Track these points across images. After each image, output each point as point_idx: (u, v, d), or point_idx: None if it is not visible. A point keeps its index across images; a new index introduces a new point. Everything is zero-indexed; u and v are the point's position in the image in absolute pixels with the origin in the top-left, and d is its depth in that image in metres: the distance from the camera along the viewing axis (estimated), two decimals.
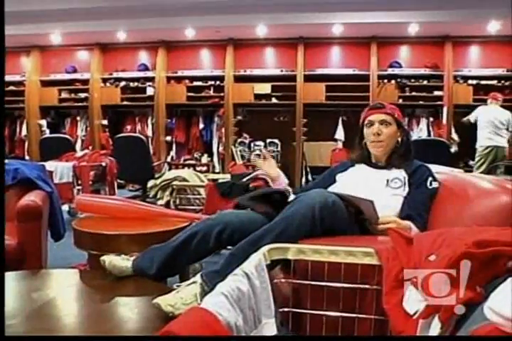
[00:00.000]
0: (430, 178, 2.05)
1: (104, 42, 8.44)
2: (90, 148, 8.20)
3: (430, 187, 2.02)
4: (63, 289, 1.82)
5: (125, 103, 8.53)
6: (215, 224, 1.86)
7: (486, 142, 6.50)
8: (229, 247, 1.84)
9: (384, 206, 1.95)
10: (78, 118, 8.79)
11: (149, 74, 8.45)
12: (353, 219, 1.82)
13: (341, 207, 1.77)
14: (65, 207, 4.85)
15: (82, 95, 8.56)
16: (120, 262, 1.86)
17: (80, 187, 4.93)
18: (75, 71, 8.64)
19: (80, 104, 8.59)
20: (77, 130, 8.77)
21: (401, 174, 2.10)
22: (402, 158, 2.15)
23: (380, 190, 2.05)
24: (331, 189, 2.12)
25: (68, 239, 2.52)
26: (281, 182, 2.25)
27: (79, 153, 5.68)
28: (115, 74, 8.55)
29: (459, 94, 7.54)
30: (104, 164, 5.34)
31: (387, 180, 2.08)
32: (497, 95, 6.66)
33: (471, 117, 6.70)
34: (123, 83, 8.51)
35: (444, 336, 1.16)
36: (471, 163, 7.65)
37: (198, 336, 1.17)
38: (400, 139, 2.17)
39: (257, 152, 2.36)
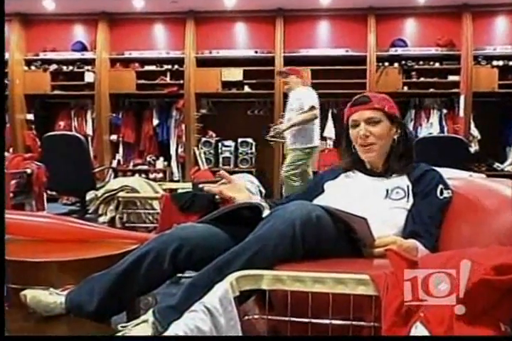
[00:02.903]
0: (440, 186, 2.07)
1: (26, 13, 8.37)
2: (11, 150, 8.10)
3: (441, 197, 2.05)
4: None
5: (57, 92, 8.46)
6: (170, 241, 1.86)
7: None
8: (188, 274, 1.84)
9: (383, 222, 1.97)
10: None
11: (88, 55, 8.42)
12: (344, 237, 1.84)
13: (328, 222, 1.78)
14: None
15: None
16: (48, 297, 1.84)
17: None
18: None
19: None
20: None
21: (403, 182, 2.12)
22: (402, 160, 2.18)
23: (378, 202, 2.07)
24: (316, 201, 2.14)
25: None
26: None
27: None
28: (43, 55, 8.49)
29: (481, 78, 7.66)
30: (29, 171, 5.28)
31: (387, 190, 2.10)
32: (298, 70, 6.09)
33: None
34: (53, 66, 8.45)
35: (444, 336, 1.20)
36: (496, 165, 7.79)
37: (198, 336, 1.21)
38: (396, 137, 2.20)
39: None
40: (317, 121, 5.83)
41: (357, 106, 2.19)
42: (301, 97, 5.73)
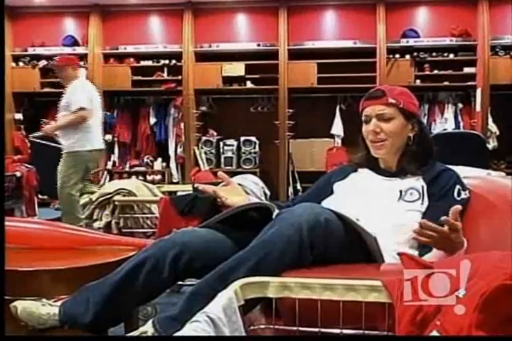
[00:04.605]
0: (457, 186, 2.07)
1: (14, 5, 8.36)
2: None
3: (458, 199, 2.03)
4: None
5: (47, 90, 8.47)
6: (170, 247, 1.86)
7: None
8: (189, 282, 1.84)
9: (397, 225, 1.97)
10: None
11: (79, 50, 8.43)
12: (354, 242, 1.83)
13: (338, 227, 1.78)
14: None
15: None
16: (40, 309, 1.84)
17: None
18: None
19: None
20: None
21: (418, 183, 2.11)
22: (417, 160, 2.17)
23: (391, 204, 2.07)
24: (325, 203, 2.14)
25: None
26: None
27: None
28: (31, 51, 8.52)
29: (499, 70, 7.64)
30: (18, 174, 5.29)
31: (401, 191, 2.09)
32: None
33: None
34: (43, 62, 8.46)
35: (444, 336, 1.22)
36: None
37: (199, 336, 1.23)
38: (411, 135, 2.19)
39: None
40: (93, 121, 5.35)
41: (370, 100, 2.18)
42: (70, 94, 5.26)
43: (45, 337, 1.33)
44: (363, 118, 2.19)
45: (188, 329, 1.32)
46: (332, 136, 8.14)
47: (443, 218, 1.66)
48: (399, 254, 1.57)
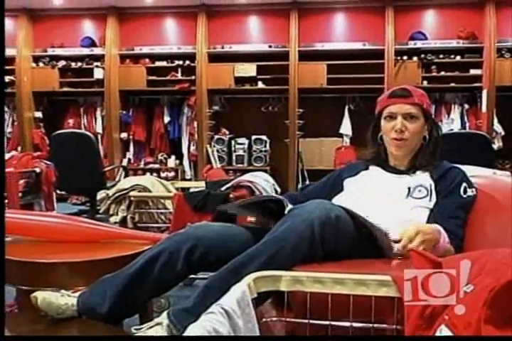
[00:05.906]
0: (464, 184, 2.06)
1: (33, 8, 8.42)
2: (19, 149, 8.16)
3: (464, 196, 2.04)
4: None
5: (65, 89, 8.50)
6: (184, 241, 1.86)
7: None
8: (202, 276, 1.84)
9: (405, 222, 1.96)
10: None
11: (97, 51, 8.45)
12: (364, 238, 1.82)
13: (348, 222, 1.78)
14: None
15: (6, 78, 8.49)
16: (59, 299, 1.84)
17: (5, 201, 4.88)
18: None
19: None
20: None
21: (426, 180, 2.11)
22: (428, 158, 2.17)
23: (400, 201, 2.07)
24: (336, 199, 2.14)
25: None
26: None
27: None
28: (51, 51, 8.54)
29: (504, 72, 7.58)
30: (38, 170, 5.30)
31: (409, 188, 2.10)
32: None
33: None
34: (62, 63, 8.50)
35: (444, 336, 1.22)
36: None
37: (199, 336, 1.22)
38: (427, 135, 2.19)
39: None
40: None
41: (396, 98, 2.18)
42: None
43: (46, 337, 1.32)
44: (386, 114, 2.18)
45: (203, 321, 1.31)
46: (341, 136, 8.12)
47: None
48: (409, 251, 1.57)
